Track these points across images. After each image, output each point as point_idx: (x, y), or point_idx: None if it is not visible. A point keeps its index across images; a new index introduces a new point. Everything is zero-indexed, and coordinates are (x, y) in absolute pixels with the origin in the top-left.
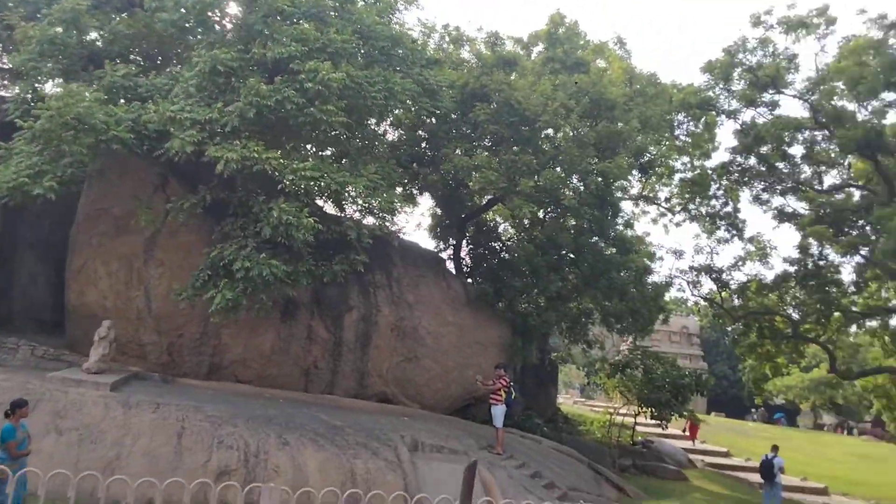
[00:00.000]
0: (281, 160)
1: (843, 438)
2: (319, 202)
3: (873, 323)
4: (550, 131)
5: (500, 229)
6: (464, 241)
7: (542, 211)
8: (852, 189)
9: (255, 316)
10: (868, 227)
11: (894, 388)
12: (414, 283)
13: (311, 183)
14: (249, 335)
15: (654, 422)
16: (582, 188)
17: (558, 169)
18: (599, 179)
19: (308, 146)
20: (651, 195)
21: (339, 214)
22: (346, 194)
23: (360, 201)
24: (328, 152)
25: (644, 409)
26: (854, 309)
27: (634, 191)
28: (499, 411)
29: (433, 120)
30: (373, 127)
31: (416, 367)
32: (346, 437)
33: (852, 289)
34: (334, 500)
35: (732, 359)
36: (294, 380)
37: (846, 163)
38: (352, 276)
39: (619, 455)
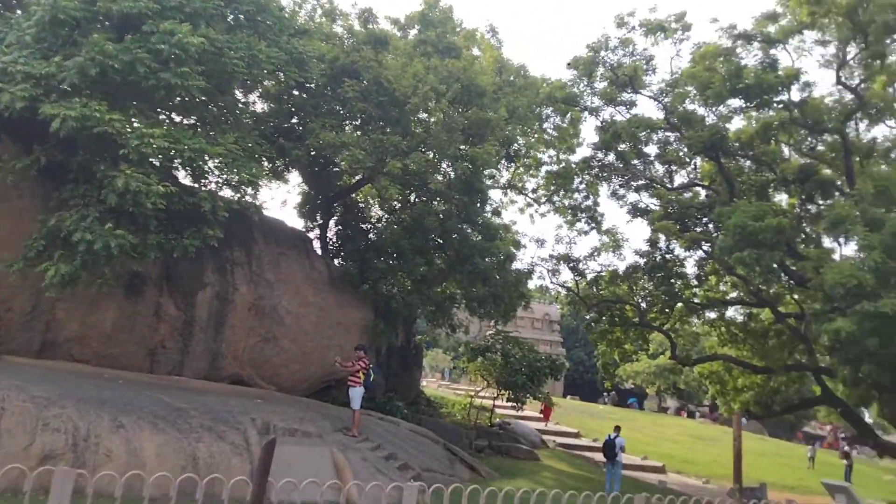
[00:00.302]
0: (133, 123)
1: (682, 420)
2: (172, 171)
3: (712, 314)
4: (422, 115)
5: (371, 211)
6: (332, 221)
7: (413, 194)
8: (699, 188)
9: (95, 291)
10: (710, 225)
11: (727, 374)
12: (275, 262)
13: (167, 150)
14: (88, 311)
15: (512, 404)
16: (451, 174)
17: (430, 153)
18: (468, 165)
19: (163, 111)
20: (519, 185)
21: (194, 185)
22: (202, 164)
23: (218, 172)
24: (184, 119)
25: (502, 391)
26: (695, 300)
27: (504, 180)
28: (356, 393)
29: (303, 95)
30: (239, 96)
31: (273, 347)
32: (190, 419)
33: (694, 281)
34: (151, 485)
35: (589, 345)
36: (138, 360)
37: (694, 163)
38: (207, 252)
39: (477, 436)
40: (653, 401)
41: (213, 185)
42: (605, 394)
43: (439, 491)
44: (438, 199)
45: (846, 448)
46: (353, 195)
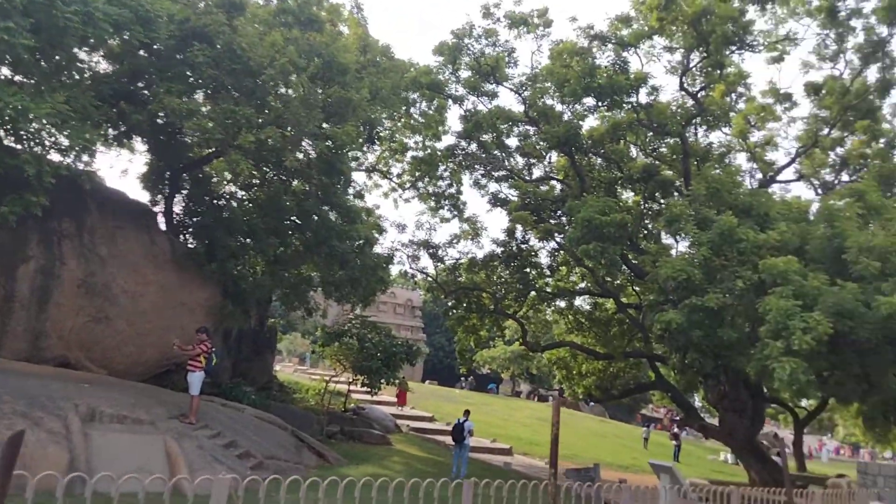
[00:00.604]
0: None
1: (532, 404)
2: None
3: (562, 303)
4: (281, 89)
5: (224, 186)
6: (179, 195)
7: (271, 171)
8: (554, 182)
9: None
10: (563, 217)
11: (573, 360)
12: (110, 236)
13: None
14: None
15: (367, 389)
16: (312, 152)
17: (289, 129)
18: (328, 145)
19: None
20: (384, 169)
21: (17, 147)
22: (25, 125)
23: (46, 134)
24: (14, 74)
25: (358, 376)
26: (547, 289)
27: (368, 163)
28: (196, 378)
29: (150, 56)
30: (82, 55)
31: (106, 328)
32: (2, 404)
33: (547, 271)
34: None
35: (449, 331)
36: None
37: (549, 157)
38: (31, 222)
39: (329, 422)
40: (507, 385)
41: (39, 149)
42: (462, 379)
43: (275, 481)
44: (297, 177)
45: (676, 430)
46: (205, 168)
